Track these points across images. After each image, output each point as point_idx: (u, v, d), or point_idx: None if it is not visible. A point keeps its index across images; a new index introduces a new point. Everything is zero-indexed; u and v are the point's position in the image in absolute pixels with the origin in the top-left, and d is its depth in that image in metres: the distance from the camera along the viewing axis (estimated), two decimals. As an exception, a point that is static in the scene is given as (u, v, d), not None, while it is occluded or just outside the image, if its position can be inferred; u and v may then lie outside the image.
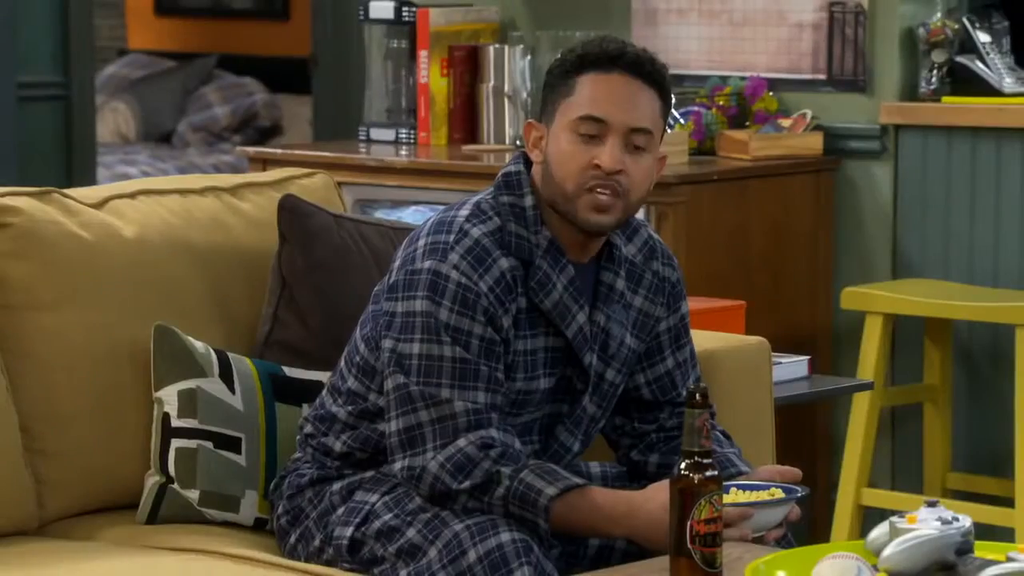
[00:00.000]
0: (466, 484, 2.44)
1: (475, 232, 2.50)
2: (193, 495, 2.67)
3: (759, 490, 2.47)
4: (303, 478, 2.60)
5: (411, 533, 2.46)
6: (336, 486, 2.56)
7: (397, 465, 2.49)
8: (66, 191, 2.79)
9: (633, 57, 2.52)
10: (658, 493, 2.41)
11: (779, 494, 2.46)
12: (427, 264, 2.48)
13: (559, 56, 2.57)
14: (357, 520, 2.51)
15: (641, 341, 2.60)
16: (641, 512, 2.42)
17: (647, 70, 2.52)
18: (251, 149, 4.58)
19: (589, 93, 2.50)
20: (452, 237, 2.50)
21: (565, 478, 2.45)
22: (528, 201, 2.52)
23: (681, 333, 2.65)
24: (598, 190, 2.48)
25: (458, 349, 2.45)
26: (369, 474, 2.56)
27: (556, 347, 2.53)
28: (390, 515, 2.49)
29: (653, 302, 2.62)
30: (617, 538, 2.49)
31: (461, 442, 2.45)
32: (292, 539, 2.59)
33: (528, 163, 2.56)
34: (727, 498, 2.38)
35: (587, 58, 2.51)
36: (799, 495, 2.47)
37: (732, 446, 2.63)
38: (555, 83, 2.54)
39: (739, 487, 2.46)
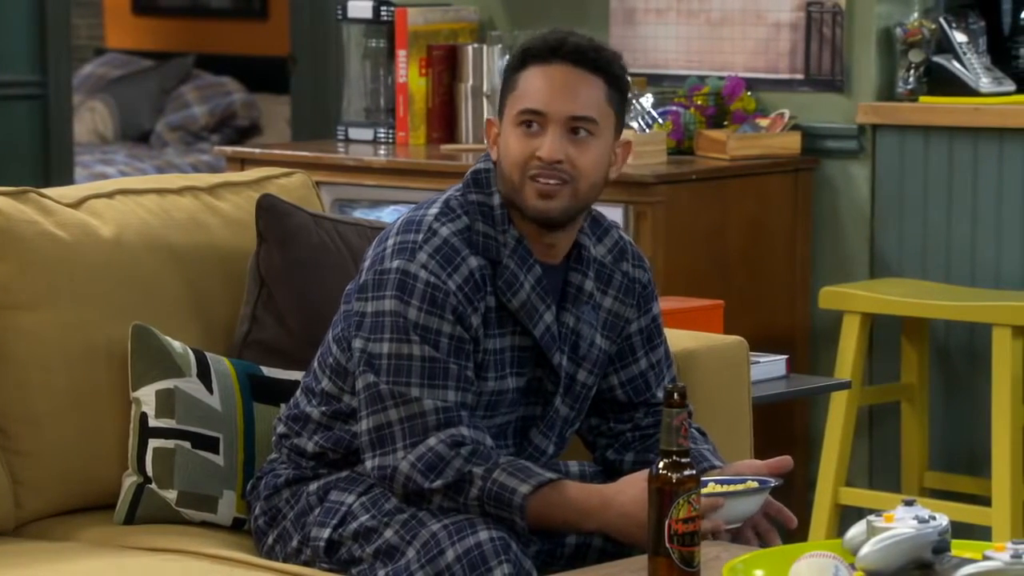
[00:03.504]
0: (438, 483, 2.44)
1: (443, 231, 2.50)
2: (171, 495, 2.66)
3: (734, 483, 2.47)
4: (279, 478, 2.59)
5: (388, 534, 2.46)
6: (312, 486, 2.56)
7: (368, 464, 2.49)
8: (43, 191, 2.78)
9: (573, 47, 2.52)
10: (630, 486, 2.42)
11: (753, 486, 2.47)
12: (396, 264, 2.49)
13: (520, 50, 2.57)
14: (334, 521, 2.51)
15: (612, 342, 2.60)
16: (613, 505, 2.42)
17: (590, 58, 2.52)
18: (229, 149, 4.58)
19: (529, 86, 2.51)
20: (421, 236, 2.50)
21: (538, 474, 2.45)
22: (496, 200, 2.53)
23: (654, 334, 2.64)
24: (540, 179, 2.48)
25: (427, 348, 2.45)
26: (344, 474, 2.55)
27: (524, 346, 2.53)
28: (367, 516, 2.49)
29: (623, 303, 2.62)
30: (592, 532, 2.49)
31: (431, 440, 2.45)
32: (270, 540, 2.58)
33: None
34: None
35: (529, 52, 2.53)
36: (771, 484, 2.47)
37: (707, 442, 2.63)
38: (506, 80, 2.55)
39: (715, 481, 2.46)
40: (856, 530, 2.24)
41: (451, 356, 2.46)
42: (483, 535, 2.40)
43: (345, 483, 2.54)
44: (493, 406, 2.53)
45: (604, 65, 2.52)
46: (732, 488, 2.45)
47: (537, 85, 2.50)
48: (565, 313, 2.55)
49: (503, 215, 2.52)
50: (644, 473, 2.34)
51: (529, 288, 2.51)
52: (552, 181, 2.48)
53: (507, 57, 4.39)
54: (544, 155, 2.48)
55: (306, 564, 2.53)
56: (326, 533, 2.51)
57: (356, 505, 2.50)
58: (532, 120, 2.49)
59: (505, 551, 2.40)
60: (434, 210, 2.53)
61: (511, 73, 2.54)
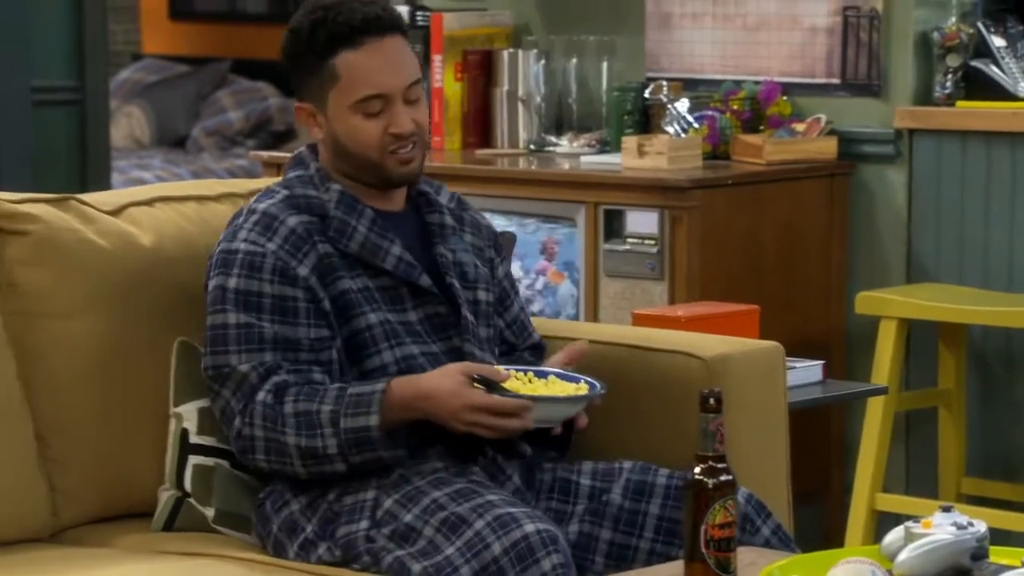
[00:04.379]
0: (291, 440, 2.50)
1: (261, 206, 2.63)
2: (209, 512, 2.67)
3: (572, 381, 2.59)
4: (287, 493, 2.59)
5: (429, 532, 2.46)
6: (331, 496, 2.56)
7: (232, 444, 2.58)
8: (83, 198, 2.78)
9: (373, 16, 2.60)
10: (442, 377, 2.51)
11: (584, 389, 2.58)
12: (220, 247, 2.61)
13: (293, 34, 2.64)
14: (366, 514, 2.51)
15: (486, 269, 2.73)
16: (427, 402, 2.50)
17: (387, 23, 2.62)
18: (265, 154, 4.59)
19: (356, 74, 2.59)
20: (242, 218, 2.62)
21: (368, 398, 2.50)
22: (312, 168, 2.65)
23: (512, 282, 2.81)
24: (400, 151, 2.61)
25: (242, 316, 2.55)
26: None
27: (383, 286, 2.61)
28: (406, 513, 2.49)
29: (479, 238, 2.75)
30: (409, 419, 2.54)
31: (259, 396, 2.54)
32: (291, 553, 2.57)
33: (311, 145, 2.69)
34: (527, 387, 2.54)
35: (335, 38, 2.59)
36: (599, 392, 2.58)
37: (533, 355, 2.76)
38: (309, 65, 2.62)
39: (555, 375, 2.59)
40: (893, 536, 2.23)
41: (275, 315, 2.54)
42: (529, 527, 2.41)
43: (357, 483, 2.55)
44: (393, 335, 2.58)
45: (398, 21, 2.64)
46: (559, 390, 2.55)
47: (365, 69, 2.59)
48: (439, 247, 2.67)
49: (320, 177, 2.63)
50: (457, 365, 2.51)
51: (365, 230, 2.61)
52: (409, 148, 2.62)
53: (543, 62, 4.42)
54: (399, 131, 2.60)
55: (336, 565, 2.53)
56: (360, 529, 2.50)
57: (390, 503, 2.50)
58: (375, 105, 2.59)
59: (553, 542, 2.41)
60: (255, 197, 2.66)
61: (318, 61, 2.60)
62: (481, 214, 2.80)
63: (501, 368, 2.56)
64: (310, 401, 2.52)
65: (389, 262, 2.61)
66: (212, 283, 2.60)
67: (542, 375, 2.61)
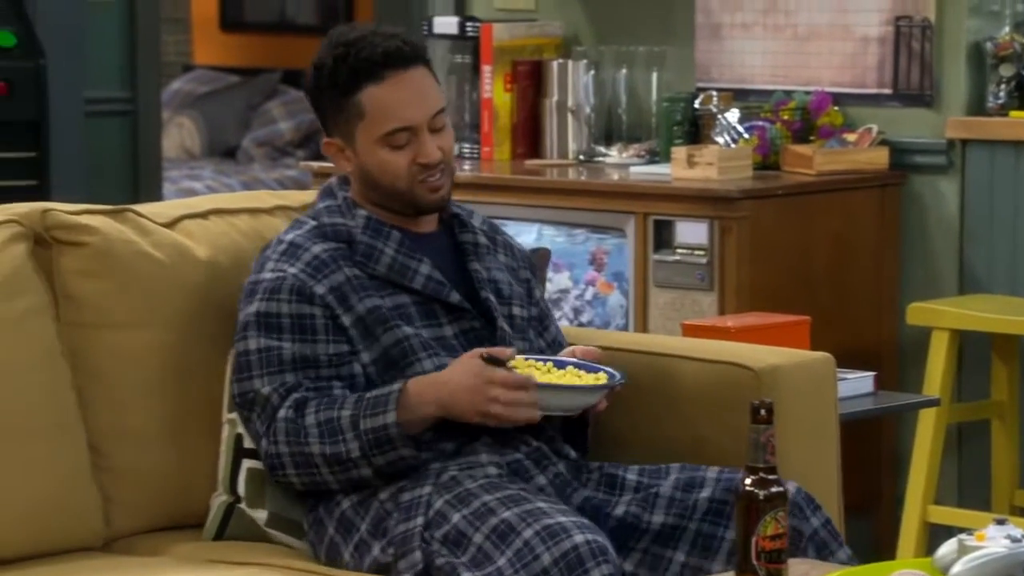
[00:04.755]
0: (316, 449, 2.53)
1: (288, 237, 2.67)
2: (261, 515, 2.67)
3: (591, 371, 2.61)
4: (337, 494, 2.60)
5: (479, 538, 2.46)
6: (383, 495, 2.57)
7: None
8: (139, 209, 2.80)
9: (394, 50, 2.63)
10: (454, 369, 2.53)
11: (603, 378, 2.60)
12: (250, 278, 2.66)
13: (316, 70, 2.67)
14: (420, 511, 2.52)
15: (521, 287, 2.76)
16: (445, 387, 2.52)
17: (409, 56, 2.65)
18: (315, 164, 4.60)
19: (381, 109, 2.63)
20: (270, 250, 2.67)
21: (385, 397, 2.53)
22: (340, 197, 2.69)
23: (548, 305, 2.85)
24: (429, 180, 2.65)
25: (263, 340, 2.57)
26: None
27: (417, 302, 2.63)
28: (455, 514, 2.49)
29: (512, 259, 2.77)
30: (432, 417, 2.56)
31: (280, 413, 2.57)
32: (346, 555, 2.59)
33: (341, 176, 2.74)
34: (546, 378, 2.56)
35: (358, 74, 2.62)
36: (618, 381, 2.60)
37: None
38: (334, 101, 2.65)
39: (575, 365, 2.61)
40: (947, 549, 2.22)
41: (293, 333, 2.57)
42: (578, 538, 2.41)
43: (413, 480, 2.56)
44: (428, 347, 2.60)
45: (419, 51, 2.66)
46: (579, 380, 2.58)
47: (390, 103, 2.62)
48: (474, 264, 2.70)
49: (347, 204, 2.68)
50: (472, 352, 2.52)
51: (392, 252, 2.65)
52: (437, 176, 2.65)
53: (592, 72, 4.42)
54: (427, 161, 2.64)
55: (388, 565, 2.53)
56: (418, 522, 2.51)
57: (442, 504, 2.51)
58: (400, 138, 2.62)
59: (603, 553, 2.41)
60: (285, 229, 2.72)
61: (343, 97, 2.63)
62: (512, 237, 2.84)
63: (507, 349, 2.58)
64: (330, 410, 2.55)
65: (417, 281, 2.64)
66: (240, 313, 2.65)
67: (561, 365, 2.64)
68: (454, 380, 2.53)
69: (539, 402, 2.56)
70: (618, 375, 2.63)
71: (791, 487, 2.53)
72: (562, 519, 2.44)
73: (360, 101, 2.62)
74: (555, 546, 2.40)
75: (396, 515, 2.54)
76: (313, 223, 2.68)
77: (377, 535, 2.56)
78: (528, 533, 2.43)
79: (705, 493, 2.57)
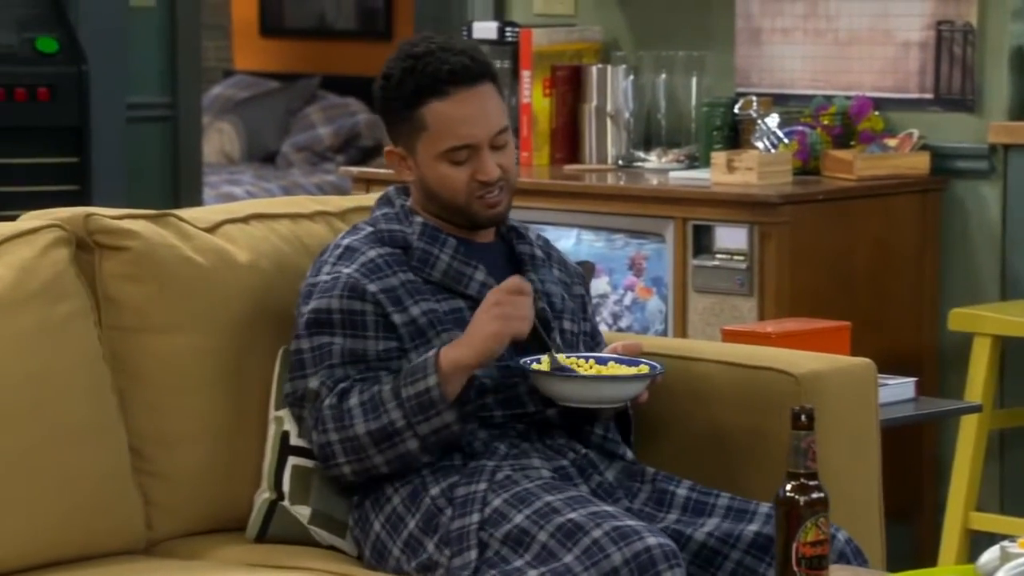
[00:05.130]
0: (361, 428, 2.55)
1: (345, 242, 2.69)
2: (304, 512, 2.68)
3: (632, 364, 2.64)
4: (387, 489, 2.60)
5: (543, 537, 2.46)
6: (434, 491, 2.57)
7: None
8: (180, 214, 2.82)
9: (460, 67, 2.63)
10: (475, 319, 2.56)
11: (644, 370, 2.63)
12: (306, 282, 2.70)
13: (384, 80, 2.68)
14: (475, 511, 2.51)
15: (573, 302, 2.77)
16: (470, 329, 2.55)
17: (475, 72, 2.65)
18: (355, 169, 4.62)
19: (443, 124, 2.64)
20: (327, 254, 2.71)
21: (423, 363, 2.55)
22: (397, 205, 2.71)
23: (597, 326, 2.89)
24: (487, 196, 2.67)
25: (315, 339, 2.61)
26: (458, 464, 2.58)
27: (471, 308, 2.63)
28: (516, 513, 2.49)
29: (566, 274, 2.80)
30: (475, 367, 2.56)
31: (326, 403, 2.60)
32: (396, 551, 2.58)
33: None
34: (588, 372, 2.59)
35: (423, 89, 2.64)
36: (659, 372, 2.62)
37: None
38: (399, 113, 2.67)
39: (616, 360, 2.64)
40: (989, 556, 2.20)
41: (344, 329, 2.60)
42: (651, 540, 2.41)
43: (467, 477, 2.56)
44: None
45: (487, 68, 2.67)
46: (624, 371, 2.62)
47: (452, 120, 2.63)
48: (530, 274, 2.72)
49: (405, 211, 2.70)
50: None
51: (448, 258, 2.67)
52: (496, 193, 2.67)
53: (631, 77, 4.42)
54: (486, 178, 2.66)
55: (440, 563, 2.52)
56: (474, 519, 2.51)
57: (499, 502, 2.51)
58: (461, 155, 2.64)
59: (674, 556, 2.41)
60: (342, 234, 2.74)
61: (406, 109, 2.65)
62: (565, 255, 2.86)
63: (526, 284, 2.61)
64: (372, 389, 2.58)
65: (472, 288, 2.66)
66: (297, 316, 2.68)
67: (602, 362, 2.66)
68: (474, 319, 2.57)
69: (584, 396, 2.58)
70: (658, 366, 2.65)
71: (841, 536, 2.53)
72: (630, 522, 2.44)
73: (423, 115, 2.64)
74: (627, 546, 2.40)
75: (449, 511, 2.54)
76: (370, 229, 2.70)
77: (429, 531, 2.55)
78: (597, 533, 2.43)
79: (753, 527, 2.56)
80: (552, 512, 2.47)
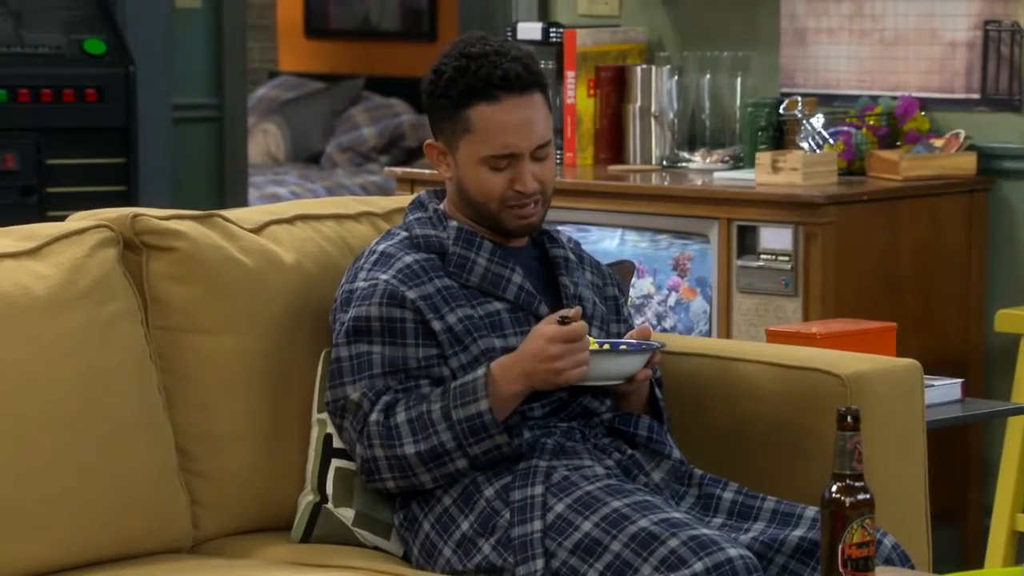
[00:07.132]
0: (410, 449, 2.54)
1: (380, 247, 2.68)
2: (348, 514, 2.69)
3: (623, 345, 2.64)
4: (437, 490, 2.59)
5: (616, 547, 2.44)
6: (488, 492, 2.56)
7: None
8: (226, 215, 2.82)
9: (513, 75, 2.61)
10: (528, 340, 2.54)
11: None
12: (342, 288, 2.68)
13: (435, 76, 2.66)
14: (536, 518, 2.50)
15: (604, 308, 2.76)
16: (522, 355, 2.53)
17: (527, 82, 2.63)
18: (399, 170, 4.62)
19: (488, 129, 2.62)
20: (363, 260, 2.69)
21: (473, 384, 2.54)
22: (431, 209, 2.70)
23: (632, 311, 2.86)
24: (520, 207, 2.65)
25: (354, 347, 2.60)
26: (516, 466, 2.57)
27: (509, 310, 2.64)
28: (583, 520, 2.47)
29: (598, 277, 2.79)
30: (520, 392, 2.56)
31: (372, 417, 2.56)
32: (447, 552, 2.57)
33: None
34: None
35: (472, 91, 2.62)
36: (655, 347, 2.63)
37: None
38: (445, 110, 2.65)
39: (629, 345, 2.63)
40: (1036, 559, 2.19)
41: (384, 337, 2.59)
42: (732, 552, 2.40)
43: (521, 479, 2.55)
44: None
45: (539, 78, 2.65)
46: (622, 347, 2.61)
47: (497, 127, 2.61)
48: (563, 278, 2.71)
49: (438, 215, 2.68)
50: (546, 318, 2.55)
51: (485, 262, 2.66)
52: (531, 205, 2.66)
53: (676, 78, 4.41)
54: (523, 189, 2.64)
55: (500, 568, 2.51)
56: (536, 527, 2.49)
57: (549, 497, 2.50)
58: (501, 162, 2.62)
59: (756, 569, 2.40)
60: (377, 239, 2.73)
61: (453, 108, 2.63)
62: (595, 257, 2.86)
63: (574, 308, 2.60)
64: (419, 405, 2.57)
65: (511, 291, 2.65)
66: (334, 323, 2.67)
67: (615, 347, 2.66)
68: (525, 347, 2.56)
69: (587, 373, 2.57)
70: (657, 343, 2.66)
71: (888, 542, 2.52)
72: (706, 531, 2.42)
73: (470, 116, 2.63)
74: (707, 556, 2.38)
75: (508, 516, 2.53)
76: (404, 234, 2.69)
77: (485, 533, 2.54)
78: (674, 542, 2.41)
79: (799, 531, 2.54)
80: (622, 519, 2.45)
